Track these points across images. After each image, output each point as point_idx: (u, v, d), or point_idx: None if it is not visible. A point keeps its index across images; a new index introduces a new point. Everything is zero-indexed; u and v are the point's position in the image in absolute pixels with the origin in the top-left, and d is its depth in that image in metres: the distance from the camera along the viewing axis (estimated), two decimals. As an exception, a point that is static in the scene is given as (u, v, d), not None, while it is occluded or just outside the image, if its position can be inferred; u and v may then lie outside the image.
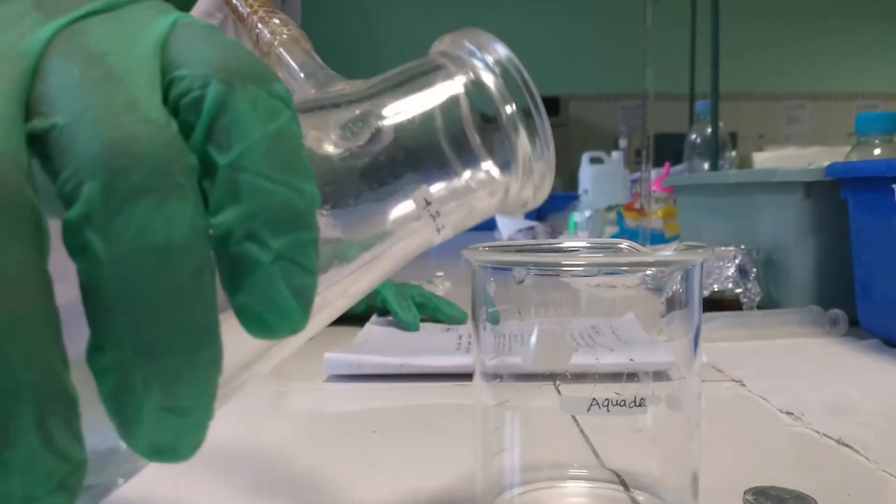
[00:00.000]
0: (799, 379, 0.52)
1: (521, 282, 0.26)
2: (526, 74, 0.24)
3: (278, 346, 0.21)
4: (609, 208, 1.67)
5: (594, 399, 0.25)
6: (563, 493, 0.30)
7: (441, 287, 0.96)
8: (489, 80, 0.23)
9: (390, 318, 0.69)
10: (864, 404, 0.45)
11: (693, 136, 1.48)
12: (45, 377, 0.14)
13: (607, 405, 0.25)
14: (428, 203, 0.22)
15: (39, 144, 0.15)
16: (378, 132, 0.22)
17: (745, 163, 1.99)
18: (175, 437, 0.16)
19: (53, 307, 0.15)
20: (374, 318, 0.70)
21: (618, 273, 0.26)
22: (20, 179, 0.14)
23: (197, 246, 0.15)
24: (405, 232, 0.23)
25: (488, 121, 0.23)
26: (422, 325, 0.67)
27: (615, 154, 2.19)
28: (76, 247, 0.15)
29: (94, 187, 0.15)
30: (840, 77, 4.66)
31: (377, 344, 0.60)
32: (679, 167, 1.55)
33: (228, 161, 0.16)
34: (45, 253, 0.15)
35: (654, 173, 1.28)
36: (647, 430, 0.28)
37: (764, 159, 1.60)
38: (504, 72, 0.23)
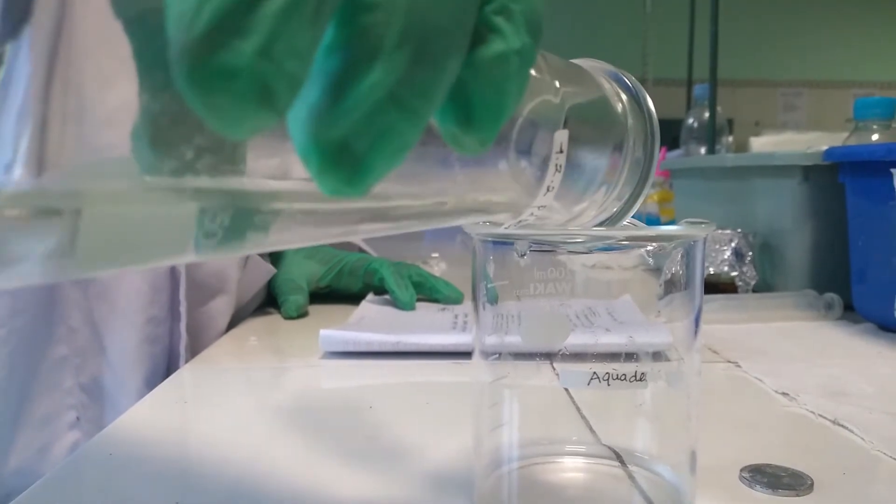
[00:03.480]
0: (794, 361, 0.52)
1: (523, 255, 0.26)
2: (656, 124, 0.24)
3: (389, 214, 0.18)
4: (605, 192, 1.66)
5: (594, 373, 0.25)
6: (560, 469, 0.30)
7: (436, 268, 0.95)
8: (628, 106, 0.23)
9: (386, 296, 0.69)
10: (858, 387, 0.45)
11: (690, 121, 1.47)
12: None
13: (608, 379, 0.25)
14: (561, 151, 0.21)
15: None
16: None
17: (741, 149, 1.99)
18: (375, 141, 0.13)
19: None
20: (369, 295, 0.70)
21: (617, 250, 0.26)
22: None
23: None
24: (527, 166, 0.21)
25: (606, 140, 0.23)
26: (418, 304, 0.67)
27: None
28: None
29: None
30: (837, 65, 4.65)
31: (373, 322, 0.60)
32: (675, 152, 1.55)
33: None
34: None
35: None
36: (646, 405, 0.28)
37: (761, 144, 1.60)
38: (644, 116, 0.24)
